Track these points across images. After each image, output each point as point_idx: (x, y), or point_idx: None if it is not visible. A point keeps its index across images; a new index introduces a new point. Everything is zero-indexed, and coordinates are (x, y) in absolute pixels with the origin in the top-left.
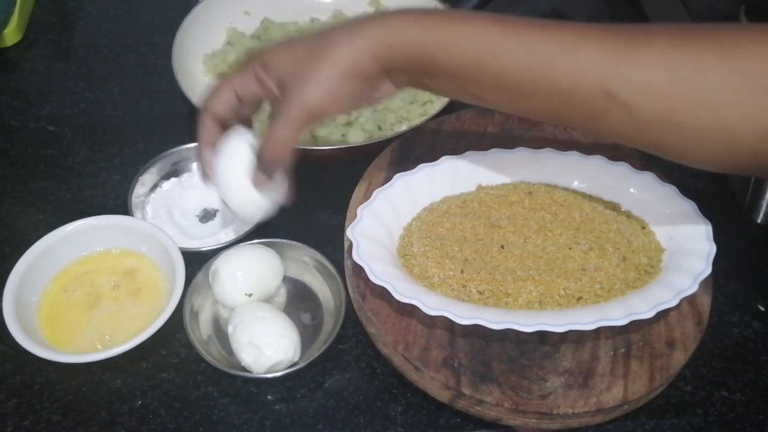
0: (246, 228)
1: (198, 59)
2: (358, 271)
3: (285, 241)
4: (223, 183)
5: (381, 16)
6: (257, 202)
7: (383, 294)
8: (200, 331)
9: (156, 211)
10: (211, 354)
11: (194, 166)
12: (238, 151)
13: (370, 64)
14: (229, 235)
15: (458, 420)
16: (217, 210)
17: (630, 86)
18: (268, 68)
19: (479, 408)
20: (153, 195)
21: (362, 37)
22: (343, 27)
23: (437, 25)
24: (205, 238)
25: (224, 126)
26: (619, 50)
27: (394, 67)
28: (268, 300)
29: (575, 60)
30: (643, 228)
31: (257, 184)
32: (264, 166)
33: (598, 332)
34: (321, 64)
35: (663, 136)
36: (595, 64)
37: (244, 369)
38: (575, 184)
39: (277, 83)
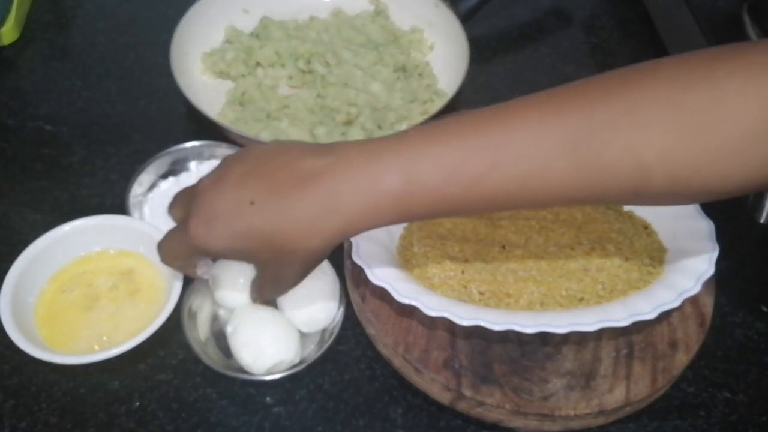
0: None
1: (196, 58)
2: (358, 271)
3: None
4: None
5: (325, 202)
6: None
7: (383, 295)
8: (198, 332)
9: (154, 210)
10: (210, 355)
11: (192, 165)
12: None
13: (334, 244)
14: None
15: (459, 422)
16: None
17: (596, 188)
18: (229, 258)
19: (480, 410)
20: (151, 194)
21: (320, 237)
22: (291, 218)
23: (396, 202)
24: None
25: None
26: (580, 150)
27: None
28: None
29: (539, 186)
30: (646, 228)
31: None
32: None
33: (600, 333)
34: (291, 264)
35: (641, 203)
36: (561, 182)
37: (242, 370)
38: None
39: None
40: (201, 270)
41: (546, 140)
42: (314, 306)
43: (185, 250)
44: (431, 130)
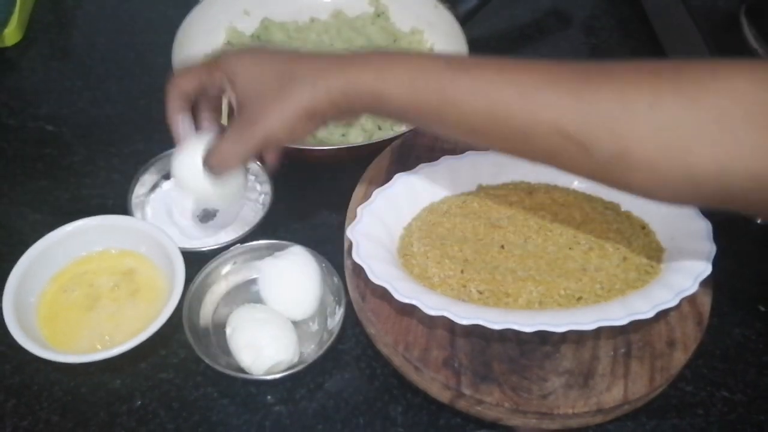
0: (246, 228)
1: (198, 59)
2: (358, 271)
3: (285, 241)
4: (180, 176)
5: (344, 62)
6: (213, 192)
7: (383, 294)
8: (200, 331)
9: (155, 211)
10: (210, 355)
11: None
12: (196, 148)
13: (329, 109)
14: (229, 235)
15: (458, 420)
16: (217, 210)
17: (584, 126)
18: (233, 83)
19: (479, 408)
20: (152, 195)
21: (324, 86)
22: (310, 64)
23: (395, 76)
24: (205, 239)
25: (189, 103)
26: (573, 90)
27: (353, 111)
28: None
29: (530, 103)
30: (644, 228)
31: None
32: (209, 171)
33: (599, 332)
34: (284, 104)
35: (621, 174)
36: (550, 106)
37: (243, 370)
38: (575, 184)
39: (238, 98)
40: (182, 129)
41: (546, 73)
42: (298, 290)
43: (202, 70)
44: (412, 54)
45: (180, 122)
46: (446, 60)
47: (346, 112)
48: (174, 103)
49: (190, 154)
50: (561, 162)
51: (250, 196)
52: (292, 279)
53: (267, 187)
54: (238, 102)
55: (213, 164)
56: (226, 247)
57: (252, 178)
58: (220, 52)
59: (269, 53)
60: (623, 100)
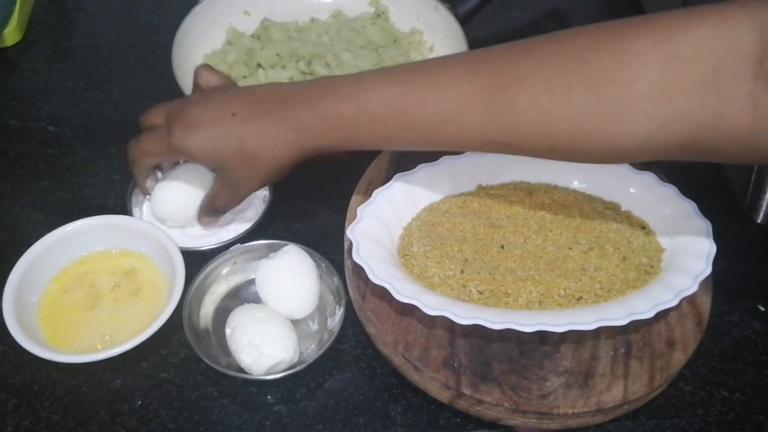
0: (246, 227)
1: (198, 59)
2: (358, 271)
3: (284, 241)
4: (163, 214)
5: (287, 125)
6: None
7: (383, 294)
8: (200, 331)
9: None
10: (211, 355)
11: (194, 165)
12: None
13: (292, 164)
14: (229, 234)
15: (458, 420)
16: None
17: (509, 134)
18: (198, 161)
19: (479, 408)
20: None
21: (281, 152)
22: (261, 136)
23: (330, 132)
24: (205, 238)
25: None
26: (492, 104)
27: (312, 158)
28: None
29: (456, 125)
30: (643, 228)
31: (203, 224)
32: (203, 215)
33: (598, 332)
34: (252, 173)
35: (557, 156)
36: (474, 124)
37: (243, 370)
38: (575, 184)
39: (210, 167)
40: (149, 184)
41: (465, 89)
42: (294, 288)
43: (160, 149)
44: (379, 72)
45: (151, 183)
46: (374, 95)
47: (306, 161)
48: (142, 175)
49: (166, 195)
50: (500, 153)
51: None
52: (288, 277)
53: (267, 187)
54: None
55: (209, 212)
56: (226, 247)
57: None
58: (171, 131)
59: (217, 126)
60: (538, 108)
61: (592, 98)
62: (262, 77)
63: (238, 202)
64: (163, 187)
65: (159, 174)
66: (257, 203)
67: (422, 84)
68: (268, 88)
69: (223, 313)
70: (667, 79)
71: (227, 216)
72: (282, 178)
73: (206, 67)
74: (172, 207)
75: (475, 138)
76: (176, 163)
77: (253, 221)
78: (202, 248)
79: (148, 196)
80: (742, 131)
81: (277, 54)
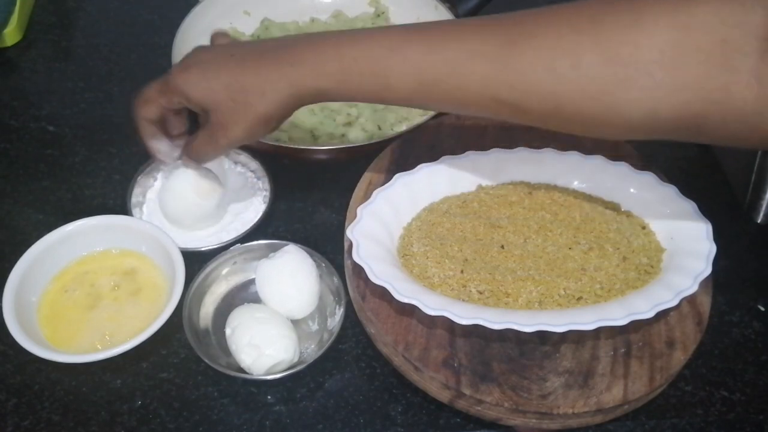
0: (246, 228)
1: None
2: (358, 271)
3: (284, 241)
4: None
5: (285, 62)
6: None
7: (383, 294)
8: (200, 331)
9: (156, 211)
10: (211, 355)
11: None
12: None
13: (282, 111)
14: (230, 235)
15: (458, 420)
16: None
17: (514, 92)
18: (189, 101)
19: (479, 408)
20: (153, 195)
21: (272, 95)
22: (255, 73)
23: (329, 71)
24: (205, 238)
25: (158, 125)
26: (500, 58)
27: (304, 105)
28: None
29: (461, 77)
30: (643, 228)
31: (200, 195)
32: (186, 160)
33: (598, 332)
34: (240, 116)
35: (561, 125)
36: (479, 77)
37: (243, 370)
38: (575, 184)
39: (198, 110)
40: (157, 145)
41: (475, 41)
42: (294, 288)
43: (158, 93)
44: (387, 27)
45: (157, 145)
46: (379, 39)
47: (298, 107)
48: (146, 131)
49: (174, 188)
50: (501, 118)
51: (251, 195)
52: (288, 277)
53: (267, 187)
54: (199, 112)
55: (189, 157)
56: (226, 247)
57: (252, 176)
58: (170, 71)
59: (214, 63)
60: (547, 65)
61: (602, 59)
62: None
63: (218, 152)
64: (169, 189)
65: (159, 175)
66: (257, 203)
67: (430, 34)
68: (272, 38)
69: (223, 313)
70: (676, 46)
71: (228, 216)
72: (270, 130)
73: (222, 32)
74: (179, 207)
75: (478, 93)
76: (179, 164)
77: (254, 222)
78: (202, 248)
79: (151, 189)
80: (746, 108)
81: None
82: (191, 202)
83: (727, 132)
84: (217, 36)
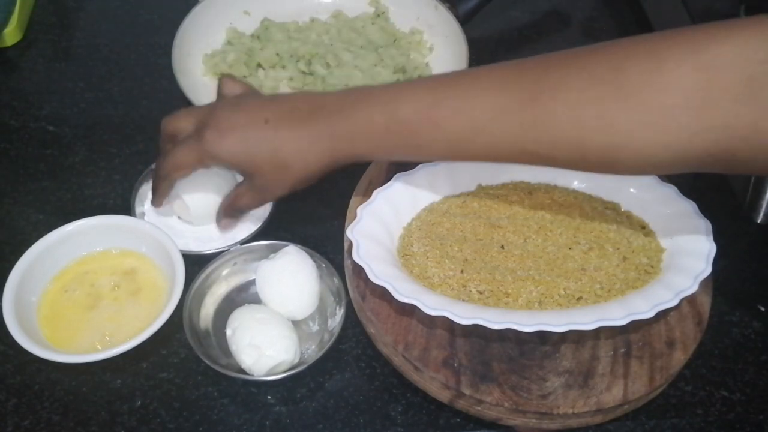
0: (253, 229)
1: (198, 59)
2: (358, 271)
3: (285, 242)
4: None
5: (322, 131)
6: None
7: (383, 294)
8: (200, 332)
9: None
10: (211, 356)
11: None
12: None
13: (322, 174)
14: (235, 238)
15: (458, 420)
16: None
17: (542, 145)
18: (230, 166)
19: (479, 408)
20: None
21: (312, 161)
22: (293, 141)
23: (365, 140)
24: (205, 239)
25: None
26: (525, 113)
27: (344, 166)
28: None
29: (489, 136)
30: (643, 228)
31: (221, 226)
32: (224, 215)
33: (598, 332)
34: (283, 181)
35: (589, 168)
36: (507, 135)
37: (243, 371)
38: (575, 184)
39: (240, 171)
40: (176, 204)
41: (499, 99)
42: (294, 289)
43: (192, 159)
44: (413, 82)
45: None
46: (408, 101)
47: (336, 170)
48: (169, 191)
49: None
50: (530, 164)
51: None
52: (288, 278)
53: None
54: (238, 172)
55: (233, 210)
56: (226, 248)
57: None
58: (203, 135)
59: (251, 130)
60: (572, 117)
61: (626, 107)
62: (262, 77)
63: (262, 205)
64: (186, 189)
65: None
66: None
67: (455, 94)
68: (300, 96)
69: (223, 313)
70: (701, 88)
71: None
72: (310, 185)
73: (230, 76)
74: (211, 203)
75: (507, 148)
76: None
77: (260, 224)
78: (203, 250)
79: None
80: None
81: (277, 54)
82: (212, 199)
83: (757, 165)
84: (226, 84)
